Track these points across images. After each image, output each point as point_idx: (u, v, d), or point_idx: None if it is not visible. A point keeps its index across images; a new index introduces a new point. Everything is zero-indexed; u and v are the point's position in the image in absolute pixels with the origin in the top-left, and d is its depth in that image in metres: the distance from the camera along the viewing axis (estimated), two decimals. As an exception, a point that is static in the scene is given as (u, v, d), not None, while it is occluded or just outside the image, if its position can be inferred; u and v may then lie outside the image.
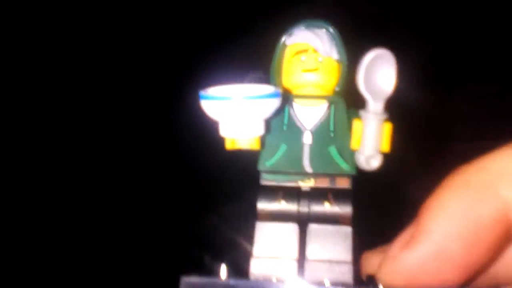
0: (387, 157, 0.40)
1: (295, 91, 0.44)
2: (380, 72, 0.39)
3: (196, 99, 0.40)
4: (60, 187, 0.73)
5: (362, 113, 0.41)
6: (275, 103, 0.40)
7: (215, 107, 0.39)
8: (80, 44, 0.74)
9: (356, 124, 0.41)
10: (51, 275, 0.69)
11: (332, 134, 0.43)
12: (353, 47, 0.44)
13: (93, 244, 0.70)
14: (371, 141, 0.40)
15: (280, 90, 0.40)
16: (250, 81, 0.42)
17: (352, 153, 0.42)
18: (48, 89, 0.75)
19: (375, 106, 0.39)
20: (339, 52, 0.44)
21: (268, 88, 0.40)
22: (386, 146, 0.41)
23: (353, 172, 0.43)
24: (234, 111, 0.39)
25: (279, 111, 0.42)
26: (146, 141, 0.66)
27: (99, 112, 0.72)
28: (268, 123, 0.41)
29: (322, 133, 0.43)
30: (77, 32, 0.74)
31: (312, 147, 0.43)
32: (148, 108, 0.67)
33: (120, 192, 0.67)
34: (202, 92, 0.40)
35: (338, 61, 0.44)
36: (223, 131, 0.40)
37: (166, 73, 0.66)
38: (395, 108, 0.40)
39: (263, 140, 0.42)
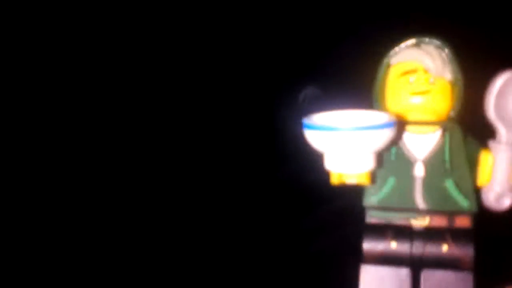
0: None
1: (403, 117, 0.39)
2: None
3: (299, 126, 0.36)
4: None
5: (492, 144, 0.35)
6: (389, 134, 0.35)
7: (321, 138, 0.35)
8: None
9: (485, 156, 0.36)
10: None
11: (447, 166, 0.38)
12: (470, 66, 0.39)
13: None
14: (503, 176, 0.35)
15: (394, 119, 0.35)
16: (304, 99, 0.38)
17: (472, 187, 0.37)
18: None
19: (508, 136, 0.34)
20: (453, 72, 0.39)
21: (381, 117, 0.36)
22: None
23: (475, 210, 0.37)
24: (343, 143, 0.34)
25: (394, 143, 0.37)
26: (240, 167, 0.63)
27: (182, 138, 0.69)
28: (380, 155, 0.37)
29: (436, 165, 0.38)
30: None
31: (425, 180, 0.38)
32: (245, 128, 0.64)
33: (212, 227, 0.64)
34: (306, 120, 0.35)
35: (452, 82, 0.39)
36: (329, 165, 0.36)
37: (266, 93, 0.62)
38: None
39: (373, 174, 0.37)
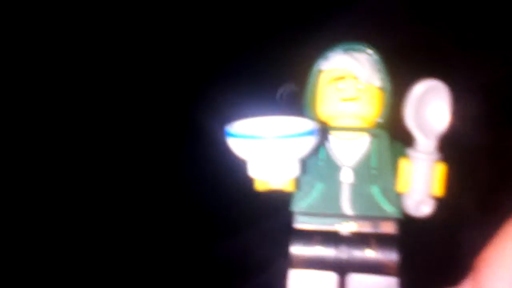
0: (438, 201, 0.36)
1: (332, 123, 0.40)
2: (431, 107, 0.34)
3: (222, 134, 0.36)
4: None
5: (410, 152, 0.36)
6: (312, 141, 0.35)
7: (244, 146, 0.35)
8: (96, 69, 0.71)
9: (403, 164, 0.36)
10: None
11: (374, 172, 0.38)
12: (398, 73, 0.39)
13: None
14: (421, 184, 0.35)
15: (317, 126, 0.36)
16: (282, 95, 0.38)
17: (397, 194, 0.38)
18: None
19: (426, 145, 0.35)
20: (381, 79, 0.39)
21: (304, 124, 0.36)
22: (438, 190, 0.36)
23: (399, 216, 0.38)
24: (265, 151, 0.34)
25: (316, 150, 0.37)
26: (165, 180, 0.63)
27: (118, 147, 0.69)
28: (304, 162, 0.37)
29: (363, 171, 0.39)
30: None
31: (352, 186, 0.38)
32: (168, 140, 0.64)
33: (137, 235, 0.64)
34: (229, 128, 0.35)
35: (380, 88, 0.39)
36: (252, 172, 0.36)
37: (188, 101, 0.62)
38: (449, 146, 0.35)
39: (297, 180, 0.38)
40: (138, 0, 0.71)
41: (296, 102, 0.41)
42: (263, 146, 0.34)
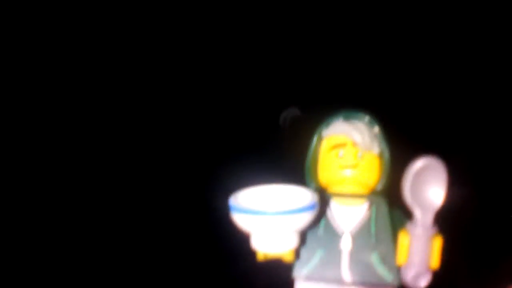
0: (435, 273, 0.36)
1: (332, 189, 0.41)
2: (428, 182, 0.35)
3: (225, 205, 0.37)
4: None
5: (409, 226, 0.36)
6: (311, 216, 0.36)
7: (246, 220, 0.36)
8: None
9: (402, 238, 0.37)
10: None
11: (373, 239, 0.39)
12: (396, 141, 0.40)
13: None
14: (420, 258, 0.36)
15: (316, 200, 0.37)
16: (286, 118, 0.39)
17: (395, 260, 0.38)
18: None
19: (423, 219, 0.35)
20: (380, 147, 0.40)
21: (304, 197, 0.37)
22: (435, 263, 0.37)
23: (398, 283, 0.39)
24: (267, 226, 0.35)
25: (316, 221, 0.38)
26: (173, 247, 0.63)
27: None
28: (303, 234, 0.38)
29: (363, 237, 0.39)
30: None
31: (351, 253, 0.39)
32: (175, 211, 0.65)
33: None
34: (233, 202, 0.36)
35: (379, 156, 0.40)
36: (254, 244, 0.37)
37: (195, 175, 0.63)
38: (446, 221, 0.36)
39: (297, 250, 0.39)
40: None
41: (298, 127, 0.42)
42: (266, 222, 0.35)
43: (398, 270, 0.38)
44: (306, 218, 0.36)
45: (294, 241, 0.37)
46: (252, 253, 0.37)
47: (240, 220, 0.36)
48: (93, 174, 0.69)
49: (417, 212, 0.36)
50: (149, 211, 0.65)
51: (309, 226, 0.37)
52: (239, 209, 0.36)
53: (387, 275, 0.39)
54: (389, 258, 0.39)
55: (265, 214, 0.35)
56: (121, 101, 0.70)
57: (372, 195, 0.40)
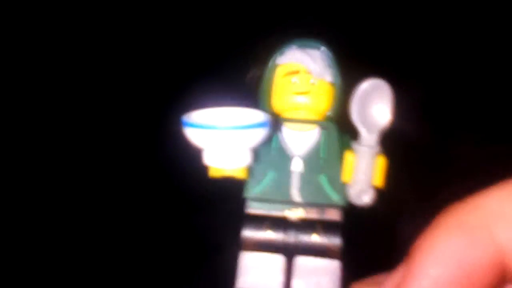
0: (379, 192, 0.38)
1: (285, 114, 0.42)
2: (375, 103, 0.37)
3: (178, 124, 0.38)
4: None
5: (354, 145, 0.38)
6: (264, 132, 0.37)
7: (199, 135, 0.37)
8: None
9: (347, 156, 0.39)
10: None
11: (323, 162, 0.41)
12: (349, 69, 0.42)
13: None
14: (363, 175, 0.38)
15: (269, 118, 0.38)
16: (251, 78, 0.40)
17: (343, 183, 0.40)
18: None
19: (368, 139, 0.37)
20: (333, 74, 0.42)
21: (257, 116, 0.38)
22: (379, 181, 0.39)
23: (344, 204, 0.41)
24: (220, 141, 0.36)
25: (268, 140, 0.40)
26: (123, 165, 0.64)
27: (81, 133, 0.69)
28: (256, 151, 0.39)
29: (313, 161, 0.41)
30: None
31: (301, 175, 0.41)
32: (128, 129, 0.65)
33: (95, 223, 0.65)
34: (186, 118, 0.37)
35: (331, 84, 0.42)
36: (207, 159, 0.38)
37: (148, 94, 0.64)
38: (390, 141, 0.38)
39: (250, 169, 0.40)
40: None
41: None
42: (218, 136, 0.36)
43: (343, 192, 0.40)
44: (259, 134, 0.37)
45: (247, 158, 0.38)
46: (205, 172, 0.39)
47: (192, 135, 0.37)
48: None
49: (362, 131, 0.37)
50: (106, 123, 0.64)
51: (261, 144, 0.39)
52: (192, 124, 0.37)
53: (334, 196, 0.41)
54: (337, 180, 0.41)
55: (218, 129, 0.36)
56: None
57: (323, 121, 0.42)
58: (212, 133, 0.36)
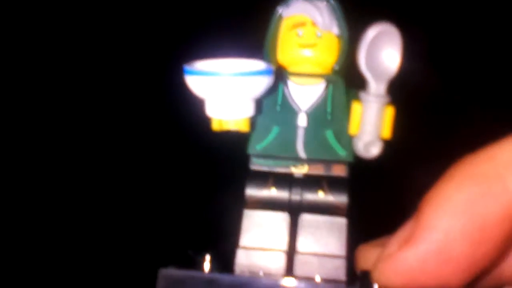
0: (387, 144, 0.37)
1: (291, 68, 0.40)
2: (383, 50, 0.35)
3: (180, 74, 0.36)
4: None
5: (362, 95, 0.37)
6: (267, 81, 0.36)
7: (201, 83, 0.35)
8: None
9: (355, 107, 0.37)
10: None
11: (329, 117, 0.40)
12: (356, 22, 0.40)
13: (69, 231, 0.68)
14: (371, 126, 0.36)
15: (273, 67, 0.36)
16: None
17: (350, 138, 0.39)
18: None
19: (376, 88, 0.36)
20: (340, 27, 0.40)
21: (260, 64, 0.37)
22: (387, 132, 0.37)
23: (351, 159, 0.39)
24: (222, 88, 0.35)
25: (272, 91, 0.38)
26: (122, 119, 0.63)
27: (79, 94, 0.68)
28: (259, 103, 0.38)
29: (319, 115, 0.40)
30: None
31: (307, 130, 0.40)
32: (129, 81, 0.64)
33: (97, 173, 0.64)
34: (187, 67, 0.36)
35: (338, 36, 0.40)
36: (209, 111, 0.37)
37: (150, 47, 0.63)
38: (399, 90, 0.36)
39: (253, 122, 0.39)
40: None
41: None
42: (220, 83, 0.35)
43: (351, 147, 0.39)
44: (262, 82, 0.36)
45: (250, 109, 0.37)
46: (207, 122, 0.37)
47: (193, 83, 0.36)
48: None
49: (370, 80, 0.36)
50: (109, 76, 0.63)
51: (265, 96, 0.37)
52: (193, 72, 0.35)
53: (341, 151, 0.39)
54: (343, 135, 0.39)
55: (220, 75, 0.35)
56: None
57: (330, 75, 0.40)
58: (213, 80, 0.35)
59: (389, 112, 0.37)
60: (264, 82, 0.36)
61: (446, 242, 0.31)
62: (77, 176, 0.68)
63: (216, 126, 0.37)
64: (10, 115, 0.71)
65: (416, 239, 0.32)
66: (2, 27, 0.69)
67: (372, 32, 0.35)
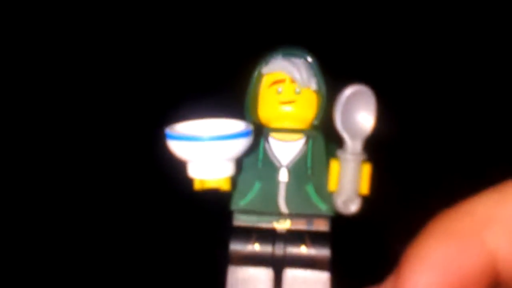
0: (366, 200, 0.38)
1: (271, 124, 0.41)
2: (358, 110, 0.36)
3: (162, 137, 0.37)
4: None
5: (339, 153, 0.38)
6: (246, 142, 0.37)
7: (182, 147, 0.36)
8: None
9: (333, 164, 0.38)
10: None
11: (309, 172, 0.40)
12: (334, 77, 0.41)
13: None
14: (349, 183, 0.37)
15: (251, 127, 0.37)
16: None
17: (330, 192, 0.40)
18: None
19: (353, 146, 0.37)
20: (318, 83, 0.41)
21: (239, 126, 0.37)
22: (365, 188, 0.38)
23: (332, 213, 0.40)
24: (202, 152, 0.36)
25: (253, 147, 0.39)
26: (105, 180, 0.64)
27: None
28: (239, 162, 0.39)
29: (299, 170, 0.40)
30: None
31: (288, 185, 0.40)
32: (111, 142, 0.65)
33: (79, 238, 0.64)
34: (169, 131, 0.37)
35: (316, 92, 0.41)
36: (191, 172, 0.38)
37: (131, 108, 0.64)
38: (375, 147, 0.37)
39: (235, 179, 0.39)
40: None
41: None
42: (200, 147, 0.36)
43: (331, 201, 0.40)
44: (241, 144, 0.37)
45: (229, 169, 0.38)
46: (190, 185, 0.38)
47: (175, 147, 0.36)
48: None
49: (347, 139, 0.37)
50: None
51: (245, 155, 0.38)
52: (174, 137, 0.36)
53: (321, 205, 0.40)
54: (324, 189, 0.40)
55: (200, 140, 0.36)
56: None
57: (309, 130, 0.41)
58: (194, 145, 0.36)
59: (366, 169, 0.38)
60: (243, 144, 0.37)
61: None
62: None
63: (198, 185, 0.38)
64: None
65: None
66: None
67: (347, 92, 0.36)
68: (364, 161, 0.37)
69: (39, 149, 0.71)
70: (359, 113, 0.36)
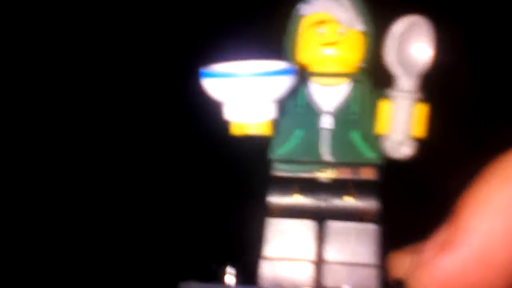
0: (420, 143, 0.35)
1: (312, 68, 0.38)
2: (413, 44, 0.33)
3: (197, 78, 0.35)
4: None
5: (390, 92, 0.35)
6: (289, 81, 0.34)
7: (218, 86, 0.34)
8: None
9: (383, 104, 0.35)
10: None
11: (355, 117, 0.37)
12: (382, 16, 0.38)
13: (86, 240, 0.67)
14: (401, 124, 0.34)
15: (295, 67, 0.35)
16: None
17: (378, 139, 0.37)
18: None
19: (407, 84, 0.34)
20: (364, 22, 0.38)
21: (281, 64, 0.35)
22: (419, 131, 0.35)
23: (380, 161, 0.37)
24: (240, 90, 0.33)
25: (294, 92, 0.36)
26: (139, 124, 0.62)
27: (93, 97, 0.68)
28: (281, 104, 0.36)
29: (344, 116, 0.38)
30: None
31: (332, 132, 0.37)
32: (145, 86, 0.63)
33: (116, 184, 0.63)
34: (204, 69, 0.34)
35: (363, 32, 0.38)
36: (227, 114, 0.35)
37: (166, 50, 0.61)
38: (432, 86, 0.34)
39: (275, 125, 0.37)
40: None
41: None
42: (239, 85, 0.33)
43: (380, 149, 0.37)
44: (283, 83, 0.34)
45: (271, 111, 0.35)
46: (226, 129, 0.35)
47: (211, 86, 0.34)
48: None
49: (400, 75, 0.34)
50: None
51: (287, 97, 0.35)
52: (210, 74, 0.34)
53: (368, 153, 0.37)
54: (371, 136, 0.37)
55: (239, 76, 0.33)
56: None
57: (355, 74, 0.38)
58: (231, 82, 0.33)
59: (421, 109, 0.34)
60: (285, 82, 0.34)
61: (488, 245, 0.29)
62: (95, 183, 0.67)
63: (235, 130, 0.36)
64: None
65: (455, 244, 0.30)
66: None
67: (400, 24, 0.33)
68: (418, 100, 0.34)
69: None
70: (414, 45, 0.33)
